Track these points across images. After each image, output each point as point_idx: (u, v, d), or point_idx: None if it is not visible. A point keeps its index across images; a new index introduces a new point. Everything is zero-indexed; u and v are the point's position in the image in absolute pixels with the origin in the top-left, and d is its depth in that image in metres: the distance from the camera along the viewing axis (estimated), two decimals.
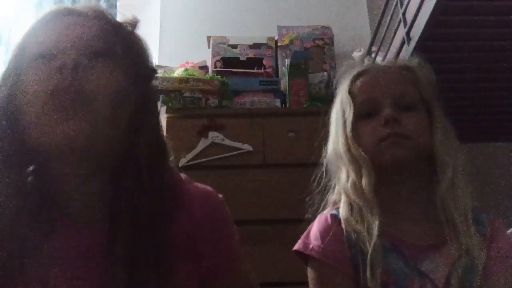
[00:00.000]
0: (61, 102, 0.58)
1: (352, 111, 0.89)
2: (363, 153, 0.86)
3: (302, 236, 0.90)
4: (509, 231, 1.23)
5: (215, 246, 0.72)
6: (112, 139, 0.62)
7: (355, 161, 0.87)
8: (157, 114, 0.73)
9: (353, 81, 0.93)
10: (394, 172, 0.87)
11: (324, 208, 0.93)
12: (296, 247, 0.89)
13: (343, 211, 0.87)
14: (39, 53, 0.62)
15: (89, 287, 0.61)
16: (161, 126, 0.72)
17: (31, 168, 0.61)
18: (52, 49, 0.62)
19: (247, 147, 1.88)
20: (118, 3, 2.70)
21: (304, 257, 0.88)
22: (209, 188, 0.76)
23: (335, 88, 0.98)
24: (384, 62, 1.03)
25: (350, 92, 0.91)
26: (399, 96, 0.88)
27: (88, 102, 0.59)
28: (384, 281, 0.79)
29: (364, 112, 0.89)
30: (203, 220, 0.70)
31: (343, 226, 0.85)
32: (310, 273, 0.86)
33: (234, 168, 1.83)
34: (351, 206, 0.86)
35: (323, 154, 0.96)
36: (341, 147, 0.89)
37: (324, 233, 0.86)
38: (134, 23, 0.76)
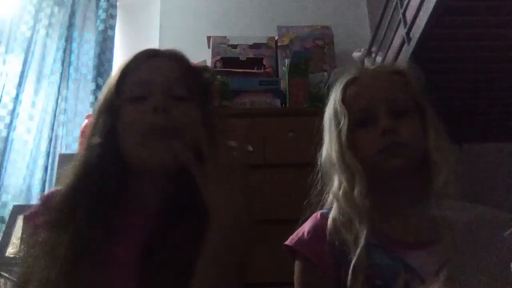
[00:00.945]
0: (155, 135, 0.76)
1: (347, 121, 0.89)
2: (357, 163, 0.87)
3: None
4: (505, 233, 1.24)
5: None
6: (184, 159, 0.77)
7: (348, 171, 0.88)
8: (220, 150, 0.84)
9: (345, 89, 0.93)
10: (390, 178, 0.88)
11: (322, 203, 0.94)
12: (285, 242, 0.91)
13: (333, 214, 0.88)
14: (135, 96, 0.79)
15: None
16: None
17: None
18: (144, 92, 0.79)
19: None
20: (118, 3, 2.70)
21: (291, 252, 0.90)
22: None
23: (328, 90, 0.99)
24: (373, 67, 1.02)
25: (343, 101, 0.92)
26: (393, 103, 0.88)
27: (172, 135, 0.75)
28: (370, 276, 0.79)
29: (359, 121, 0.89)
30: None
31: (328, 226, 0.86)
32: (295, 266, 0.89)
33: None
34: (341, 212, 0.87)
35: (318, 160, 0.96)
36: (335, 156, 0.90)
37: (311, 229, 0.89)
38: (207, 68, 0.94)
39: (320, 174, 0.95)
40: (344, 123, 0.89)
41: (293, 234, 0.92)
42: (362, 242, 0.81)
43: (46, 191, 0.85)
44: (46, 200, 0.81)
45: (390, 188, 0.88)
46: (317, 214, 0.92)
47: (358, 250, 0.80)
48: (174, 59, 0.86)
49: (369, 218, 0.83)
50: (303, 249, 0.88)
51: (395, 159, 0.85)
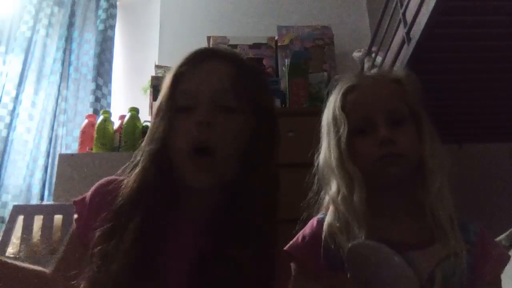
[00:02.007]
0: (197, 157, 0.75)
1: (346, 128, 0.91)
2: (357, 169, 0.89)
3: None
4: (499, 238, 1.25)
5: None
6: (231, 174, 0.77)
7: (347, 177, 0.89)
8: (273, 158, 0.84)
9: (344, 96, 0.95)
10: (387, 185, 0.90)
11: (318, 211, 0.95)
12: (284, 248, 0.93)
13: (328, 219, 0.89)
14: (184, 105, 0.78)
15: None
16: (274, 167, 0.84)
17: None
18: (193, 102, 0.77)
19: None
20: (118, 3, 2.70)
21: (289, 257, 0.92)
22: None
23: (327, 95, 1.00)
24: (373, 74, 1.04)
25: (343, 108, 0.93)
26: (391, 112, 0.91)
27: (216, 153, 0.75)
28: None
29: (358, 129, 0.91)
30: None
31: (324, 232, 0.88)
32: (291, 268, 0.90)
33: None
34: (338, 216, 0.88)
35: (315, 163, 0.97)
36: (334, 162, 0.92)
37: (306, 235, 0.92)
38: (265, 72, 0.87)
39: (316, 177, 0.97)
40: (343, 130, 0.91)
41: (291, 242, 0.93)
42: None
43: (100, 182, 0.84)
44: (101, 188, 0.81)
45: (387, 194, 0.90)
46: (313, 221, 0.94)
47: None
48: (228, 62, 0.82)
49: (367, 223, 0.85)
50: (297, 253, 0.90)
51: (392, 168, 0.87)
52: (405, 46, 1.62)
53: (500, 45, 1.58)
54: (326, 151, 0.95)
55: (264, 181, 0.79)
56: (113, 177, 0.83)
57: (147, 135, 0.82)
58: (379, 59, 1.97)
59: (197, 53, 0.83)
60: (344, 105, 0.94)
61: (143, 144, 0.81)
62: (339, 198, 0.89)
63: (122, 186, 0.78)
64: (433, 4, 1.38)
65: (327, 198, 0.93)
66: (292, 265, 0.90)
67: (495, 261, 0.88)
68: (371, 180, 0.89)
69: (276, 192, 0.82)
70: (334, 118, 0.94)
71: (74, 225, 0.82)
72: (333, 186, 0.91)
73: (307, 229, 0.93)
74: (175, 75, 0.81)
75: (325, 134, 0.97)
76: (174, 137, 0.77)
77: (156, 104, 0.83)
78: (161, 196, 0.75)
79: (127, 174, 0.80)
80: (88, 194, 0.82)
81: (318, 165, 0.96)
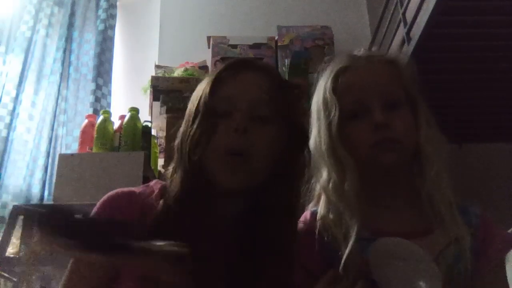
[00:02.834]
0: (231, 159, 0.76)
1: (337, 112, 0.86)
2: (348, 155, 0.85)
3: None
4: (509, 231, 1.24)
5: None
6: (260, 181, 0.79)
7: (338, 163, 0.85)
8: (301, 172, 0.86)
9: (336, 78, 0.90)
10: (382, 172, 0.86)
11: (309, 200, 0.92)
12: None
13: (321, 211, 0.86)
14: (222, 112, 0.79)
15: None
16: (300, 181, 0.86)
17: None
18: (229, 108, 0.79)
19: None
20: (118, 3, 2.70)
21: None
22: None
23: (318, 74, 0.95)
24: (365, 54, 0.96)
25: (334, 91, 0.88)
26: (386, 95, 0.86)
27: (249, 160, 0.77)
28: (363, 271, 0.76)
29: (350, 112, 0.86)
30: None
31: (318, 225, 0.84)
32: None
33: None
34: (330, 207, 0.85)
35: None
36: (324, 147, 0.87)
37: (300, 229, 0.87)
38: (297, 86, 0.92)
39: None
40: (334, 114, 0.86)
41: None
42: (353, 237, 0.79)
43: (110, 193, 0.82)
44: (111, 201, 0.80)
45: (382, 182, 0.87)
46: (306, 214, 0.90)
47: (349, 245, 0.79)
48: (264, 73, 0.85)
49: (360, 212, 0.81)
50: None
51: (388, 153, 0.83)
52: (405, 46, 1.62)
53: (500, 45, 1.58)
54: (316, 137, 0.90)
55: (290, 192, 0.82)
56: (124, 189, 0.82)
57: (179, 137, 0.83)
58: None
59: (236, 63, 0.86)
60: (336, 88, 0.88)
61: (177, 146, 0.82)
62: (330, 186, 0.85)
63: (148, 198, 0.79)
64: (433, 4, 1.38)
65: (318, 186, 0.90)
66: None
67: (499, 243, 0.84)
68: (365, 167, 0.85)
69: (297, 203, 0.85)
70: (325, 102, 0.89)
71: None
72: (324, 174, 0.87)
73: (300, 224, 0.88)
74: (213, 81, 0.82)
75: (315, 118, 0.92)
76: (211, 141, 0.78)
77: (190, 107, 0.84)
78: (201, 201, 0.77)
79: (168, 178, 0.82)
80: (95, 211, 0.80)
81: (308, 151, 0.91)
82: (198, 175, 0.78)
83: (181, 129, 0.84)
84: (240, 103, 0.79)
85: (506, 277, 0.83)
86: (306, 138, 0.88)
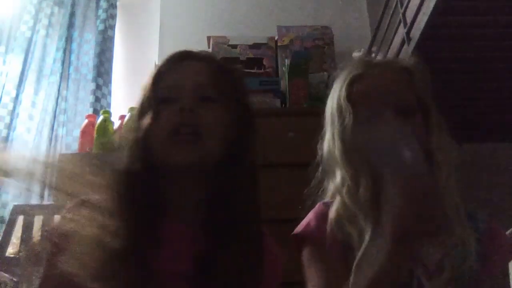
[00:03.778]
0: (180, 136, 0.78)
1: (352, 118, 0.88)
2: (362, 161, 0.85)
3: None
4: (508, 232, 1.24)
5: None
6: (213, 160, 0.80)
7: (352, 169, 0.87)
8: (251, 149, 0.87)
9: (350, 85, 0.92)
10: None
11: (322, 195, 0.93)
12: (292, 233, 0.92)
13: (336, 207, 0.87)
14: (166, 97, 0.82)
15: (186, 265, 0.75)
16: (257, 161, 0.87)
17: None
18: (174, 94, 0.82)
19: None
20: (118, 3, 2.70)
21: (298, 242, 0.90)
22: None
23: (329, 77, 0.98)
24: (380, 62, 1.00)
25: (348, 97, 0.90)
26: (400, 103, 0.88)
27: (198, 136, 0.78)
28: None
29: (365, 119, 0.87)
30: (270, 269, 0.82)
31: (330, 217, 0.86)
32: (304, 256, 0.89)
33: None
34: (345, 206, 0.86)
35: (319, 154, 0.96)
36: (338, 153, 0.89)
37: (316, 215, 0.89)
38: (240, 71, 0.95)
39: (320, 166, 0.95)
40: (349, 120, 0.88)
41: (298, 226, 0.91)
42: (366, 240, 0.80)
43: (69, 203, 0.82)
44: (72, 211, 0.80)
45: None
46: (320, 204, 0.92)
47: (362, 248, 0.79)
48: (205, 60, 0.88)
49: (374, 217, 0.82)
50: (312, 234, 0.87)
51: None
52: (405, 46, 1.62)
53: (500, 45, 1.58)
54: (330, 142, 0.92)
55: (248, 173, 0.83)
56: (79, 199, 0.82)
57: (127, 132, 0.85)
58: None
59: (175, 55, 0.88)
60: (350, 95, 0.91)
61: (127, 146, 0.83)
62: (344, 190, 0.87)
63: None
64: (433, 4, 1.39)
65: (331, 186, 0.91)
66: (306, 248, 0.89)
67: (504, 251, 0.86)
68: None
69: (258, 187, 0.86)
70: (339, 108, 0.91)
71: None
72: (338, 177, 0.89)
73: (313, 212, 0.91)
74: (155, 75, 0.86)
75: (329, 123, 0.94)
76: (154, 125, 0.80)
77: (138, 102, 0.87)
78: (148, 193, 0.77)
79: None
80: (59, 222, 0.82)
81: (321, 154, 0.94)
82: (148, 161, 0.79)
83: (131, 124, 0.87)
84: (183, 88, 0.82)
85: (509, 285, 0.85)
86: (253, 117, 0.90)
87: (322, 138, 0.95)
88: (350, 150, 0.87)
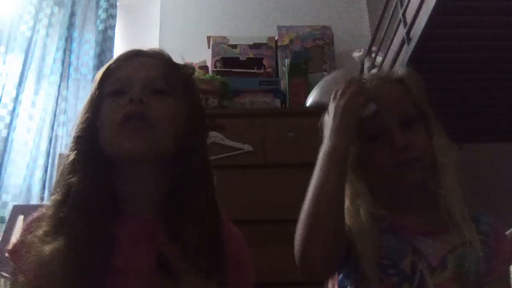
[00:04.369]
0: (130, 124, 0.78)
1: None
2: (362, 183, 0.88)
3: None
4: (507, 232, 1.25)
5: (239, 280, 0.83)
6: (166, 152, 0.81)
7: (352, 190, 0.89)
8: (204, 144, 0.89)
9: None
10: (406, 191, 0.89)
11: None
12: None
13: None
14: (115, 90, 0.82)
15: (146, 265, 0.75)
16: (208, 152, 0.89)
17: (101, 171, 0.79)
18: (125, 87, 0.81)
19: (247, 147, 1.88)
20: (118, 3, 2.70)
21: None
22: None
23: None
24: (376, 76, 1.02)
25: None
26: (402, 115, 0.90)
27: (149, 124, 0.78)
28: (378, 257, 0.83)
29: (369, 135, 0.90)
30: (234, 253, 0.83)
31: None
32: None
33: (234, 168, 1.83)
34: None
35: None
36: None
37: None
38: (191, 67, 0.94)
39: None
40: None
41: None
42: (369, 262, 0.82)
43: (27, 220, 0.81)
44: (28, 228, 0.78)
45: (402, 194, 0.90)
46: None
47: (366, 267, 0.82)
48: (155, 57, 0.88)
49: (374, 237, 0.84)
50: None
51: (410, 174, 0.87)
52: (405, 46, 1.62)
53: (500, 45, 1.58)
54: None
55: (202, 166, 0.84)
56: (38, 212, 0.81)
57: (74, 128, 0.84)
58: (379, 59, 1.97)
59: (126, 52, 0.89)
60: None
61: (71, 142, 0.83)
62: (344, 211, 0.87)
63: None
64: (433, 4, 1.38)
65: None
66: None
67: (508, 255, 0.88)
68: (386, 186, 0.89)
69: (212, 178, 0.87)
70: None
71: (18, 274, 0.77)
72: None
73: None
74: (105, 70, 0.86)
75: None
76: (103, 118, 0.80)
77: (86, 101, 0.86)
78: (101, 194, 0.77)
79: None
80: (18, 242, 0.80)
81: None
82: (97, 154, 0.79)
83: (78, 118, 0.85)
84: (134, 81, 0.82)
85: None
86: (204, 113, 0.91)
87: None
88: (349, 172, 0.88)
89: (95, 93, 0.83)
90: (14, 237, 1.63)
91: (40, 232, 0.74)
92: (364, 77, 0.99)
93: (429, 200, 0.89)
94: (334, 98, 0.90)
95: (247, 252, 0.89)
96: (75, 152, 0.80)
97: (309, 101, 0.77)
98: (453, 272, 0.81)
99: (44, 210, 0.79)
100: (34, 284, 0.70)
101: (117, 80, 0.83)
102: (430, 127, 0.91)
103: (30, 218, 0.80)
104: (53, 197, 0.78)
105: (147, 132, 0.78)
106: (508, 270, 0.88)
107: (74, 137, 0.82)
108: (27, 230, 0.78)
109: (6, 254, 0.82)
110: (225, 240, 0.81)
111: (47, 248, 0.71)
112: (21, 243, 0.77)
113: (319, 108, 1.00)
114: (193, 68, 0.95)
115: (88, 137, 0.80)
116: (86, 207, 0.75)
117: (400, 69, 1.06)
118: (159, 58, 0.88)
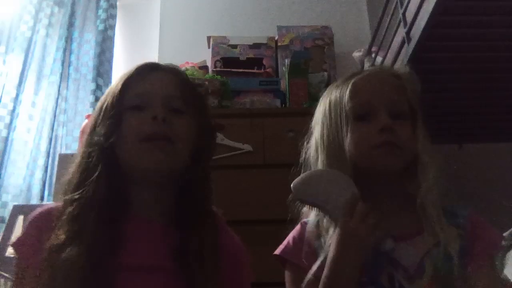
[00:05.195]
0: (153, 141, 0.82)
1: (344, 113, 0.91)
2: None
3: None
4: (505, 233, 1.25)
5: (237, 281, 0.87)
6: (181, 166, 0.85)
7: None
8: (211, 156, 0.95)
9: (345, 83, 0.94)
10: (378, 175, 0.89)
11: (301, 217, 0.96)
12: (274, 252, 0.94)
13: (310, 223, 0.91)
14: (134, 105, 0.85)
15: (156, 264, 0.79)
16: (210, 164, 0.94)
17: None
18: (143, 103, 0.85)
19: (247, 147, 1.88)
20: (118, 3, 2.70)
21: (279, 261, 0.93)
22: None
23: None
24: (375, 68, 1.05)
25: (343, 94, 0.93)
26: (393, 104, 0.90)
27: (169, 141, 0.82)
28: None
29: (358, 115, 0.90)
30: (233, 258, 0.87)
31: (307, 233, 0.90)
32: (286, 276, 0.92)
33: (234, 168, 1.83)
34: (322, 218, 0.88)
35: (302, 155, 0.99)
36: (323, 156, 0.94)
37: (295, 236, 0.93)
38: (204, 86, 1.01)
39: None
40: (342, 115, 0.91)
41: (279, 246, 0.94)
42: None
43: (33, 213, 0.84)
44: (36, 221, 0.82)
45: (377, 190, 0.89)
46: (300, 223, 0.94)
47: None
48: (173, 73, 0.92)
49: None
50: (291, 257, 0.90)
51: (390, 157, 0.87)
52: (405, 46, 1.62)
53: (500, 45, 1.58)
54: (317, 138, 0.96)
55: (206, 175, 0.90)
56: (46, 207, 0.84)
57: (87, 136, 0.86)
58: (379, 59, 1.97)
59: (143, 65, 0.92)
60: (345, 91, 0.93)
61: (84, 147, 0.85)
62: None
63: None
64: (433, 4, 1.39)
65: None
66: (287, 271, 0.91)
67: (486, 242, 0.87)
68: (364, 174, 0.88)
69: (210, 184, 0.92)
70: (335, 103, 0.94)
71: (17, 267, 0.81)
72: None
73: (293, 232, 0.94)
74: (125, 81, 0.87)
75: (319, 119, 0.97)
76: (124, 132, 0.82)
77: (99, 106, 0.88)
78: (113, 197, 0.80)
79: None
80: (24, 232, 0.83)
81: (306, 156, 0.99)
82: (113, 166, 0.82)
83: (90, 128, 0.88)
84: (154, 97, 0.85)
85: (495, 275, 0.85)
86: (214, 129, 0.98)
87: (308, 140, 1.00)
88: (337, 146, 0.90)
89: (111, 104, 0.85)
90: (14, 237, 1.63)
91: (50, 227, 0.76)
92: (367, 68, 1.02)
93: (403, 201, 0.89)
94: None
95: (245, 252, 0.91)
96: (91, 156, 0.82)
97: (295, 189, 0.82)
98: (432, 276, 0.81)
99: (52, 206, 0.83)
100: (44, 278, 0.72)
101: (136, 95, 0.86)
102: (417, 128, 0.92)
103: (37, 212, 0.83)
104: (66, 196, 0.81)
105: (168, 150, 0.82)
106: (491, 258, 0.86)
107: (91, 143, 0.84)
108: (34, 224, 0.81)
109: (10, 248, 0.85)
110: (223, 242, 0.85)
111: (59, 243, 0.73)
112: (26, 235, 0.80)
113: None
114: (207, 88, 1.01)
115: (106, 145, 0.82)
116: (99, 208, 0.78)
117: (401, 67, 1.08)
118: (175, 75, 0.91)
